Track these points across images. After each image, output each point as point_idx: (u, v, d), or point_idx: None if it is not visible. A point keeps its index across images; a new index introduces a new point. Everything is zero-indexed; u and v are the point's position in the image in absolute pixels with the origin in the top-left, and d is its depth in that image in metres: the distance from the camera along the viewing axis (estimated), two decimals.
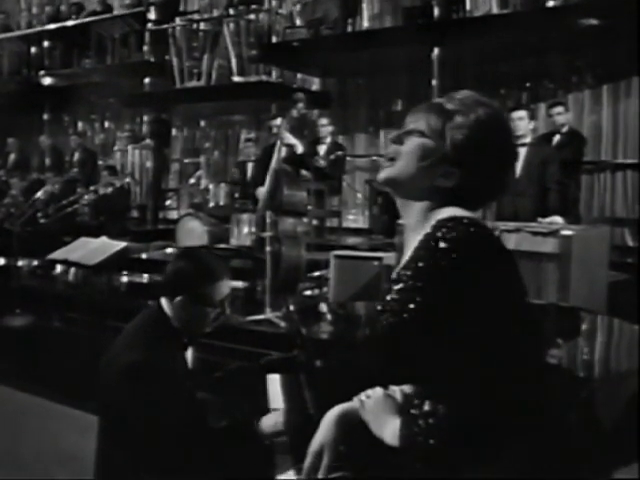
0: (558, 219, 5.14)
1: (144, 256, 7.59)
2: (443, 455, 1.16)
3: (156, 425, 1.97)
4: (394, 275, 1.30)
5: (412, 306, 1.21)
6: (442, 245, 1.20)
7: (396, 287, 1.25)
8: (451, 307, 1.17)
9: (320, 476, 1.28)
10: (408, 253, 1.31)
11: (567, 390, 1.49)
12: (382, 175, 1.38)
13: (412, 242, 1.33)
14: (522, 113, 5.70)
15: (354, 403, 1.32)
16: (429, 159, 1.33)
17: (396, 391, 1.29)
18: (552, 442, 1.23)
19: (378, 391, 1.30)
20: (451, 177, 1.32)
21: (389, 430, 1.23)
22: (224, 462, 2.01)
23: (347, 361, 1.89)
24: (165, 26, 9.15)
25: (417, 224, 1.35)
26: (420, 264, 1.23)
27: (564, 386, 1.50)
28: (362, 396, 1.31)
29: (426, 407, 1.17)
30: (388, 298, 1.26)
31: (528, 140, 5.69)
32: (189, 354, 2.32)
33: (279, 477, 1.65)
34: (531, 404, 1.19)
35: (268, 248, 5.21)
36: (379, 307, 1.27)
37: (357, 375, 1.40)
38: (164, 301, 2.18)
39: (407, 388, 1.27)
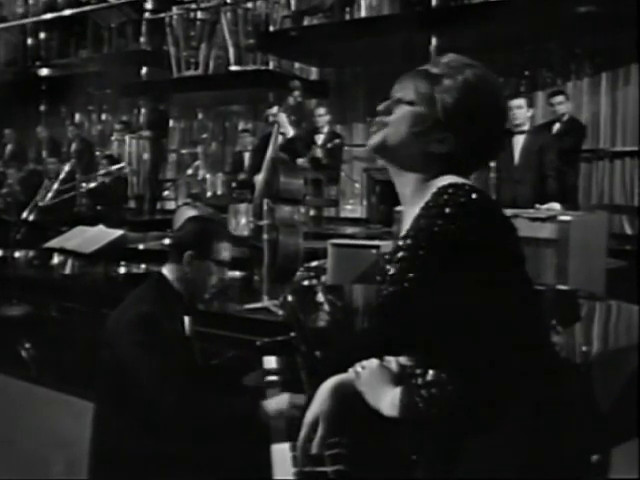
0: (556, 205, 5.15)
1: (141, 246, 7.57)
2: (443, 424, 1.14)
3: (159, 376, 2.09)
4: (393, 246, 1.28)
5: (412, 275, 1.19)
6: (446, 211, 1.17)
7: (397, 256, 1.23)
8: (454, 274, 1.16)
9: (315, 447, 1.28)
10: (408, 222, 1.29)
11: (567, 363, 1.48)
12: (371, 142, 1.36)
13: (410, 213, 1.31)
14: (521, 101, 5.72)
15: (349, 374, 1.30)
16: (420, 126, 1.31)
17: (392, 362, 1.27)
18: (552, 413, 1.22)
19: (373, 362, 1.28)
20: (445, 142, 1.30)
21: (385, 401, 1.21)
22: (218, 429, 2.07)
23: (345, 334, 1.88)
24: (162, 15, 9.11)
25: (414, 194, 1.33)
26: (422, 231, 1.20)
27: (564, 361, 1.48)
28: (357, 367, 1.29)
29: (429, 376, 1.16)
30: (388, 267, 1.23)
31: (526, 128, 5.71)
32: (187, 322, 2.38)
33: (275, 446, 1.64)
34: (533, 373, 1.18)
35: (265, 236, 5.19)
36: (378, 278, 1.25)
37: (355, 347, 1.39)
38: (165, 268, 2.37)
39: (403, 359, 1.26)
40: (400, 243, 1.24)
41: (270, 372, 2.29)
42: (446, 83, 1.31)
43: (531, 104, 5.97)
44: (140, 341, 2.13)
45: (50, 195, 7.75)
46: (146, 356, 2.11)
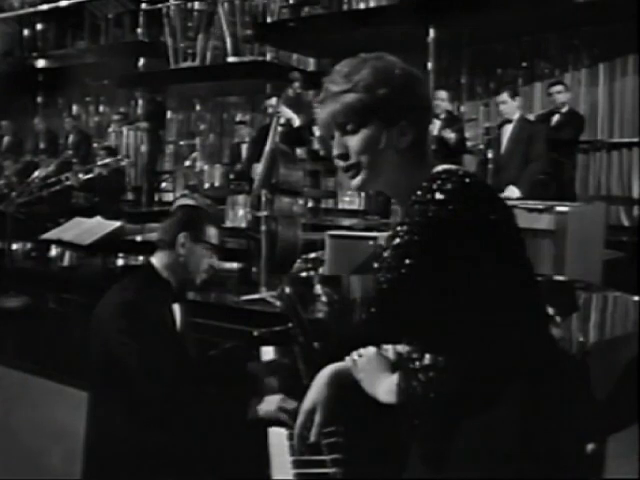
0: (514, 190, 5.22)
1: (139, 238, 7.55)
2: (441, 409, 1.15)
3: (146, 364, 2.08)
4: (389, 232, 1.28)
5: (409, 261, 1.19)
6: (440, 196, 1.17)
7: (392, 243, 1.23)
8: (450, 259, 1.16)
9: (312, 435, 1.28)
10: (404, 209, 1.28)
11: (564, 352, 1.48)
12: (355, 184, 1.33)
13: (405, 202, 1.30)
14: (504, 96, 5.80)
15: (346, 362, 1.31)
16: (384, 140, 1.29)
17: (389, 350, 1.28)
18: (550, 397, 1.22)
19: (370, 350, 1.29)
20: (406, 132, 1.29)
21: (382, 387, 1.22)
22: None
23: (343, 325, 1.89)
24: (159, 6, 9.07)
25: (402, 191, 1.32)
26: (416, 217, 1.20)
27: (561, 348, 1.49)
28: (354, 355, 1.30)
29: (426, 360, 1.16)
30: (385, 254, 1.24)
31: (515, 117, 5.75)
32: (177, 312, 2.35)
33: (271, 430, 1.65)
34: (530, 357, 1.18)
35: (264, 227, 5.19)
36: (375, 265, 1.25)
37: (353, 336, 1.39)
38: (155, 257, 2.38)
39: (400, 347, 1.27)
40: (396, 229, 1.25)
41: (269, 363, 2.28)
42: (361, 85, 1.27)
43: (515, 93, 5.96)
44: (123, 328, 2.13)
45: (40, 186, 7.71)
46: (130, 342, 2.10)
